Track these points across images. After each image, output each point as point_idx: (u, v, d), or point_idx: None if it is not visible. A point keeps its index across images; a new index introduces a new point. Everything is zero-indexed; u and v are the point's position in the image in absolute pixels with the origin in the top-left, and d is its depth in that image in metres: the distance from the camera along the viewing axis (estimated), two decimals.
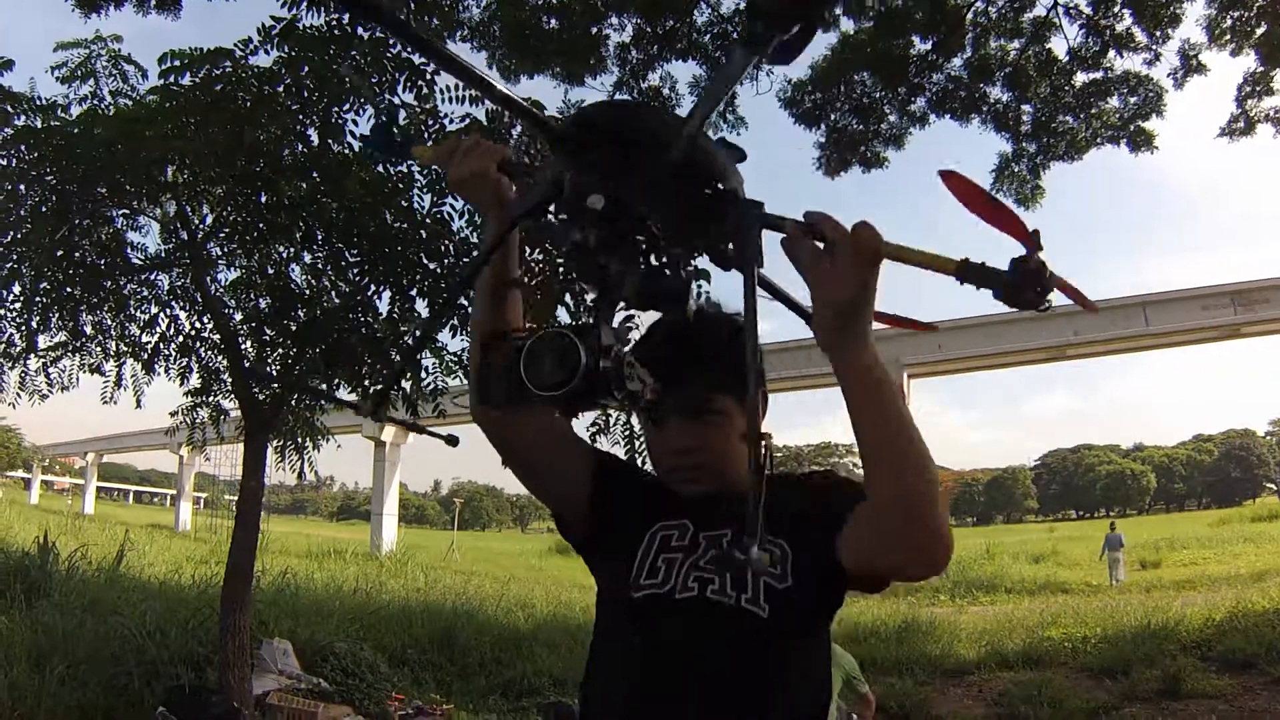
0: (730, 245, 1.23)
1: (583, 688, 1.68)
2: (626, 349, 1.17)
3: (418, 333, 5.99)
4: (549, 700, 8.11)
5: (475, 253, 5.48)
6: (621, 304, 1.23)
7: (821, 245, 1.16)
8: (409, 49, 5.24)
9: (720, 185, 1.25)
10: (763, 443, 1.09)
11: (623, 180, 1.22)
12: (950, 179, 1.10)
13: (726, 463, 1.60)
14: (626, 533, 1.61)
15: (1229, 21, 10.37)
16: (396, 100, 5.38)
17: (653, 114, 1.34)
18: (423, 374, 6.06)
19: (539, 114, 1.33)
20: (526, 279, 5.28)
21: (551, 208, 1.35)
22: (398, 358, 6.09)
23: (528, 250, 5.51)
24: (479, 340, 1.39)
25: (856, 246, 1.13)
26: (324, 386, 6.85)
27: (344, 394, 6.88)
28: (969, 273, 1.08)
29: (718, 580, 1.49)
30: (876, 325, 1.27)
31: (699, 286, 5.13)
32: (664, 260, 1.26)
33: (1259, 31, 10.37)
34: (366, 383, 6.30)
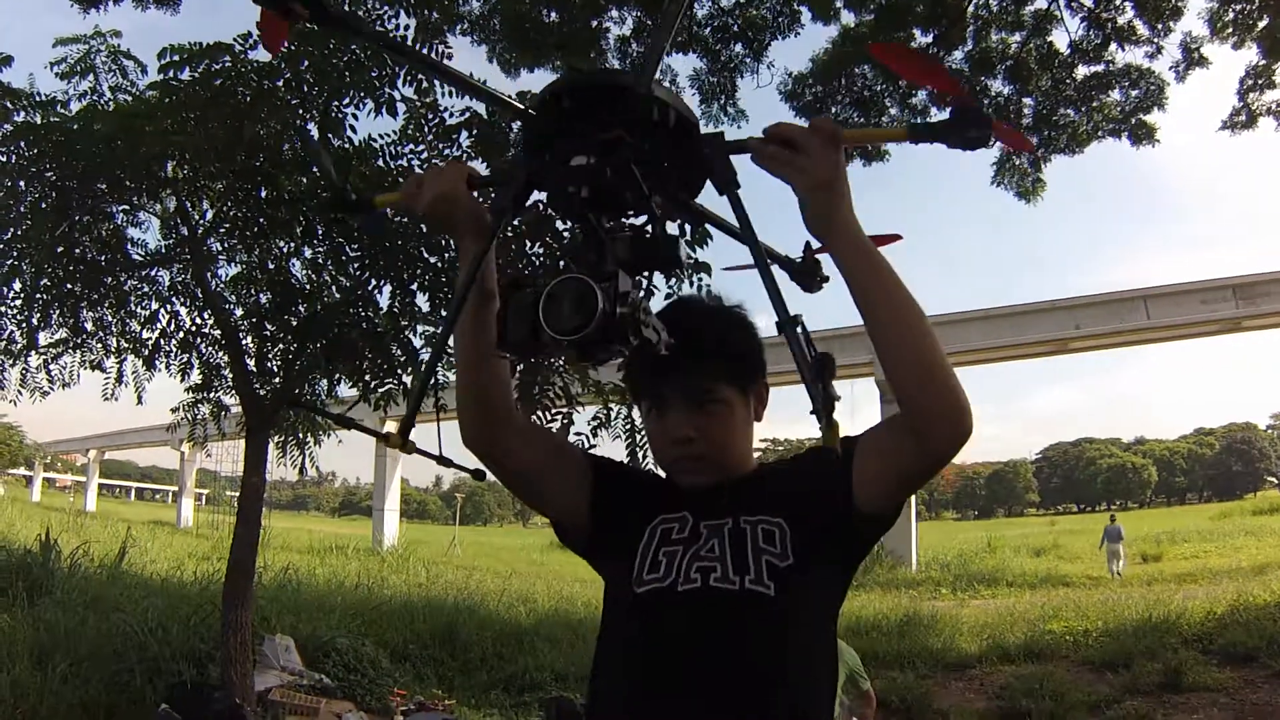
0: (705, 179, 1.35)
1: (591, 683, 1.68)
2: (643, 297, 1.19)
3: (422, 356, 6.03)
4: (551, 695, 8.12)
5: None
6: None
7: (787, 148, 1.31)
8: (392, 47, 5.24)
9: (691, 124, 1.35)
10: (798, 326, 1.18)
11: (608, 126, 1.28)
12: (880, 50, 1.26)
13: (728, 453, 1.62)
14: (627, 532, 1.61)
15: (1231, 14, 10.35)
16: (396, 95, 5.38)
17: (610, 73, 1.41)
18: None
19: (514, 102, 1.35)
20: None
21: (537, 195, 1.41)
22: (411, 379, 6.10)
23: (528, 244, 5.52)
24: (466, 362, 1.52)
25: (819, 133, 1.30)
26: (327, 400, 6.87)
27: (356, 409, 6.91)
28: (918, 133, 1.27)
29: (719, 568, 1.49)
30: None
31: (700, 280, 5.14)
32: (651, 222, 1.32)
33: (1261, 24, 10.34)
34: (367, 378, 6.30)
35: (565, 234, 5.45)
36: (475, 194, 1.49)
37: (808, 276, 1.74)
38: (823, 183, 1.31)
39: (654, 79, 1.35)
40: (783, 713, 1.45)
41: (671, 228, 1.44)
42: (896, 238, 1.72)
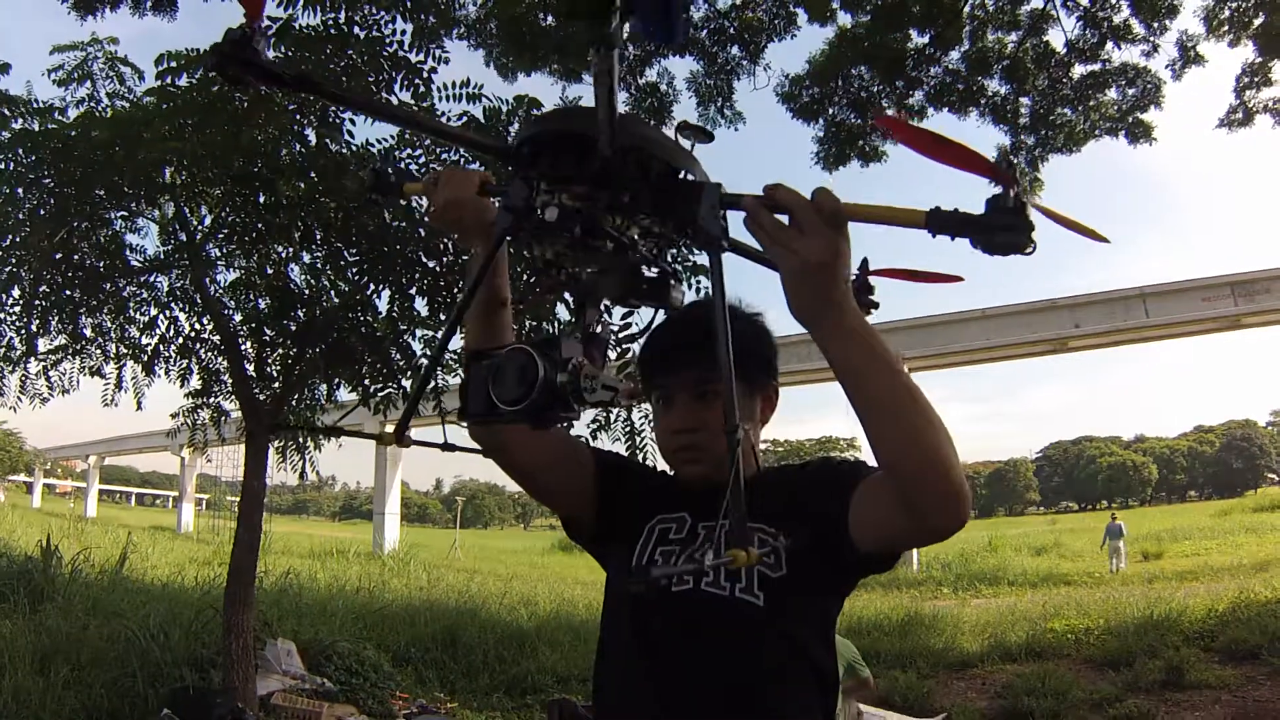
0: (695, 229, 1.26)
1: (595, 674, 1.71)
2: (588, 360, 1.19)
3: (423, 360, 6.05)
4: (553, 698, 8.10)
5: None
6: (607, 303, 1.26)
7: (785, 217, 1.16)
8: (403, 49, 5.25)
9: (677, 172, 1.31)
10: (738, 435, 1.12)
11: (571, 184, 1.26)
12: (890, 124, 1.16)
13: (724, 449, 1.61)
14: (628, 526, 1.65)
15: (1226, 12, 10.36)
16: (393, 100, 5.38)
17: (581, 114, 1.35)
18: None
19: (487, 141, 1.35)
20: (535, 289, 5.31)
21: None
22: (410, 383, 6.11)
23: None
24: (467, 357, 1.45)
25: (818, 209, 1.13)
26: (326, 404, 6.87)
27: (352, 414, 6.92)
28: (939, 221, 1.04)
29: (712, 572, 1.50)
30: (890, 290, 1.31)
31: (698, 281, 5.16)
32: (640, 254, 1.30)
33: (1257, 22, 10.36)
34: (367, 382, 6.31)
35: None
36: (490, 199, 1.49)
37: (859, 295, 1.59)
38: (812, 266, 1.15)
39: (640, 119, 1.38)
40: (782, 705, 1.47)
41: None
42: (957, 279, 1.57)
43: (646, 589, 1.05)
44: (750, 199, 1.18)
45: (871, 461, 1.34)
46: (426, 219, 1.50)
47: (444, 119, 5.44)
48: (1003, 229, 1.01)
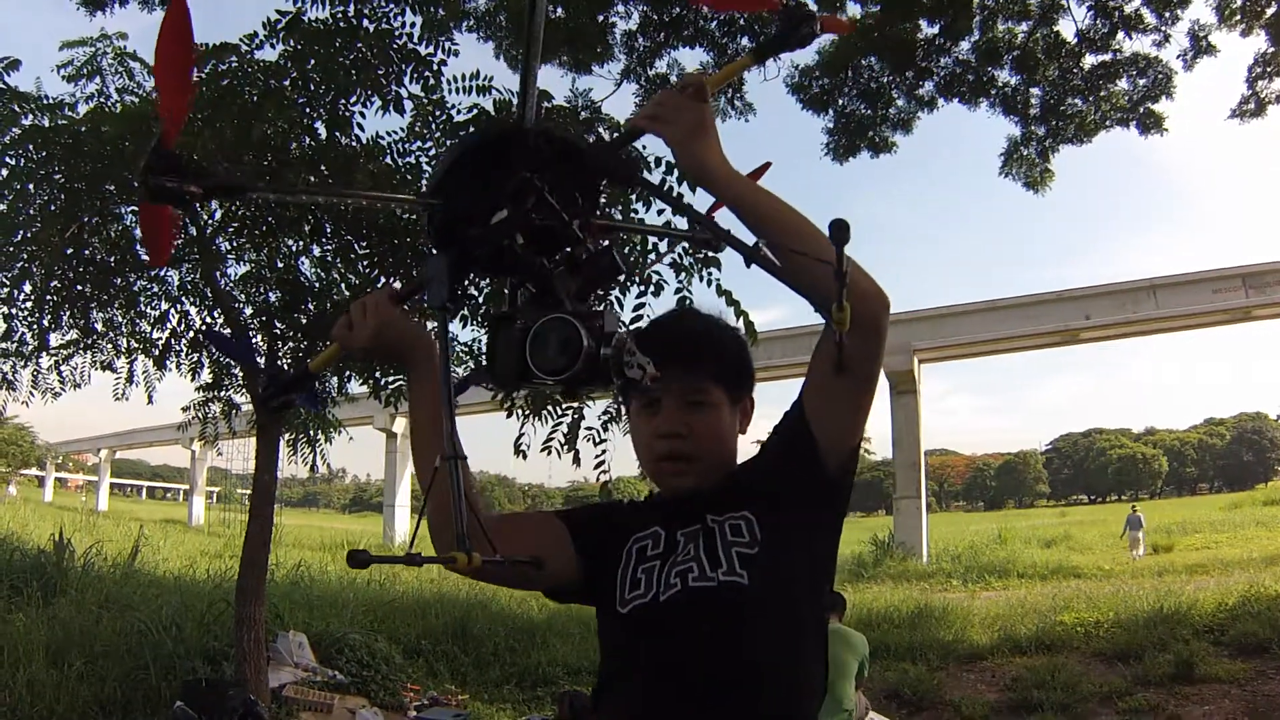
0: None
1: (595, 706, 1.68)
2: (628, 334, 1.20)
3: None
4: (563, 689, 8.13)
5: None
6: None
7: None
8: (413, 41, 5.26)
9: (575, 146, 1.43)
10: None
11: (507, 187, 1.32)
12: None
13: (714, 454, 1.64)
14: (608, 560, 1.62)
15: (1239, 1, 10.29)
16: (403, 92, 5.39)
17: (491, 125, 1.46)
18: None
19: (412, 198, 1.38)
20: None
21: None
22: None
23: None
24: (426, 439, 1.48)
25: (684, 89, 1.46)
26: (338, 398, 6.89)
27: (367, 404, 6.94)
28: (763, 50, 1.50)
29: (696, 568, 1.52)
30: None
31: (709, 272, 5.20)
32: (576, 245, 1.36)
33: (1269, 11, 10.29)
34: (377, 374, 6.32)
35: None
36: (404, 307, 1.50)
37: (791, 34, 1.56)
38: (690, 130, 1.43)
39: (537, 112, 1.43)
40: (782, 691, 1.49)
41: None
42: (766, 165, 1.71)
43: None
44: (630, 120, 1.54)
45: None
46: (362, 358, 1.49)
47: (453, 112, 5.45)
48: (802, 24, 1.41)
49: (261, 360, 6.40)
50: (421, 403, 1.52)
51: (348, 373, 6.65)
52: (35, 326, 6.51)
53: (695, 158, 1.44)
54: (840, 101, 11.13)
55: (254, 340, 6.48)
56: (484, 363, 1.26)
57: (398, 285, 1.53)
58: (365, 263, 5.92)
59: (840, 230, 1.05)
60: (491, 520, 1.51)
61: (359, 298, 1.47)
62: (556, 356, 1.17)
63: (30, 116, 5.83)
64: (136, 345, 6.84)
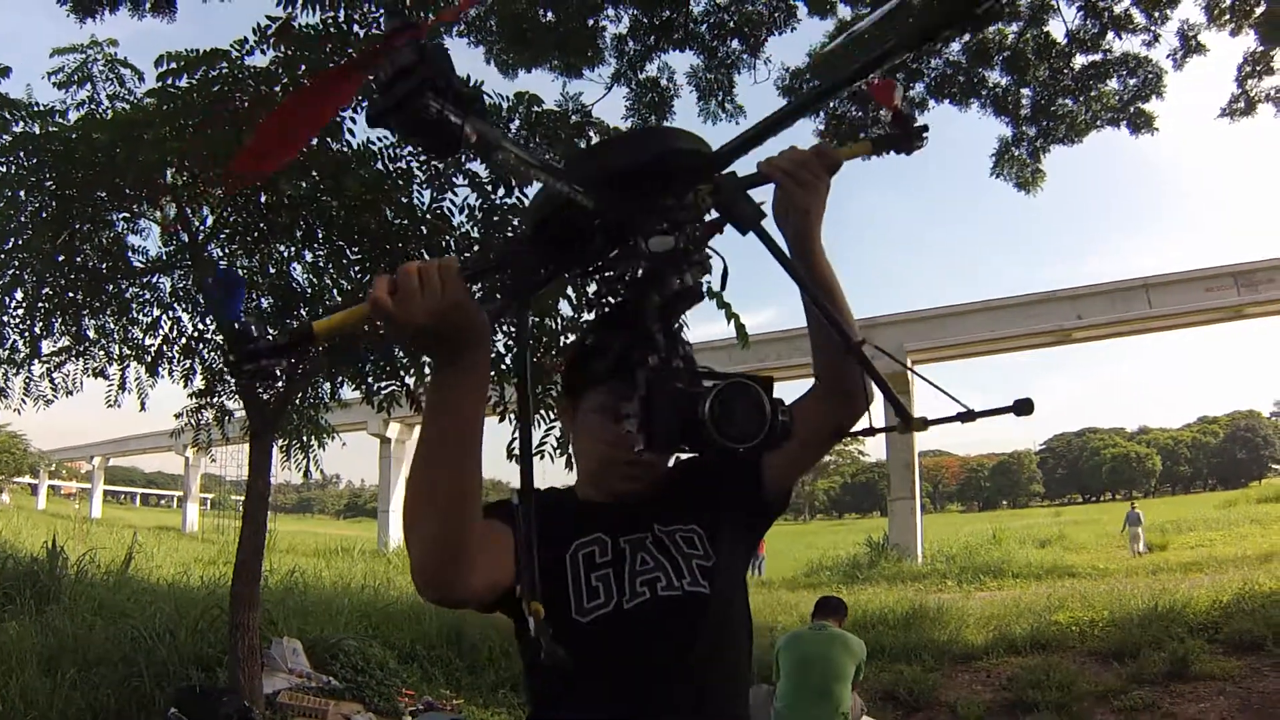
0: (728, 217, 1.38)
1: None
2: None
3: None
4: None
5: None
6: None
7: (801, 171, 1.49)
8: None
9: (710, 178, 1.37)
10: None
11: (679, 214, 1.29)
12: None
13: (665, 468, 1.70)
14: (554, 572, 1.53)
15: (1228, 1, 10.32)
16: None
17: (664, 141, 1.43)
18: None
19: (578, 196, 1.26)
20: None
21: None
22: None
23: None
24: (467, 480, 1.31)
25: (823, 158, 1.50)
26: (330, 403, 6.86)
27: (359, 410, 6.93)
28: (880, 144, 1.54)
29: (663, 578, 1.55)
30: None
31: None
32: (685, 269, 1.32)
33: (1258, 10, 10.32)
34: (370, 380, 6.32)
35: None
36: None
37: (906, 140, 1.57)
38: (821, 202, 1.51)
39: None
40: (743, 690, 1.65)
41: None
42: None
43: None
44: (766, 166, 1.47)
45: None
46: (401, 336, 1.07)
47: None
48: (908, 132, 1.50)
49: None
50: (464, 402, 1.26)
51: (340, 378, 6.65)
52: (27, 333, 6.49)
53: (813, 230, 1.52)
54: (831, 104, 11.13)
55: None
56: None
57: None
58: (357, 268, 5.92)
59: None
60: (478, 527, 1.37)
61: (413, 261, 1.19)
62: (746, 423, 1.17)
63: (21, 123, 5.82)
64: (129, 352, 6.83)
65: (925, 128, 1.51)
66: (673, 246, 1.24)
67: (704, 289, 1.32)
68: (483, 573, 1.39)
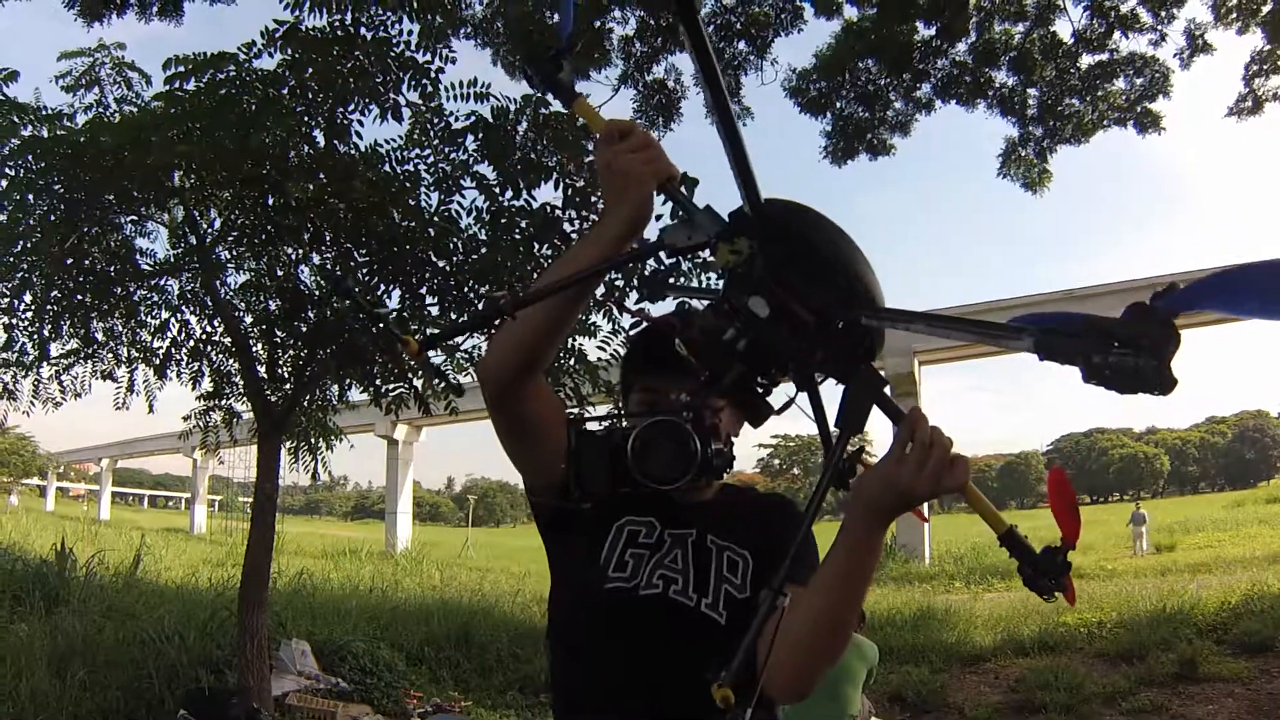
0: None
1: (552, 675, 1.71)
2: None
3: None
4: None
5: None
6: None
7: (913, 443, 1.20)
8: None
9: (868, 354, 1.25)
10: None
11: (796, 300, 1.18)
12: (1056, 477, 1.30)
13: None
14: (592, 518, 1.61)
15: (1234, 0, 10.29)
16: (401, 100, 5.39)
17: (855, 252, 1.27)
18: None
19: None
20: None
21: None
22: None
23: (536, 246, 5.53)
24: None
25: (955, 473, 1.20)
26: (339, 404, 6.87)
27: (367, 412, 6.94)
28: (1009, 540, 1.27)
29: (681, 581, 1.55)
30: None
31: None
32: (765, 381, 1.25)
33: (1265, 9, 10.29)
34: (378, 382, 6.32)
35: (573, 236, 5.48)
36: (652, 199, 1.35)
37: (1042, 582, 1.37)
38: (908, 499, 1.23)
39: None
40: None
41: None
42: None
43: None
44: (923, 425, 1.20)
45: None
46: (596, 156, 1.24)
47: (451, 119, 5.47)
48: (1046, 577, 1.28)
49: (262, 368, 6.40)
50: (591, 242, 1.40)
51: (349, 381, 6.66)
52: (36, 336, 6.51)
53: (900, 511, 1.28)
54: (838, 104, 11.13)
55: (255, 348, 6.49)
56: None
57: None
58: (365, 270, 5.93)
59: None
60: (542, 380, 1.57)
61: (656, 142, 1.33)
62: (670, 466, 1.17)
63: (29, 127, 5.84)
64: (137, 354, 6.85)
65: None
66: (767, 314, 1.16)
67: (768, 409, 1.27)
68: (542, 394, 1.56)
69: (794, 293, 1.16)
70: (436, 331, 1.26)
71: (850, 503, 1.28)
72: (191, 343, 6.79)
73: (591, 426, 1.25)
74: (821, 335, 1.18)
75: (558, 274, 1.36)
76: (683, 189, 1.31)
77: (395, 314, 5.90)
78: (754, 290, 1.15)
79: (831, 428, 1.20)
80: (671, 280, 5.13)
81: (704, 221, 1.21)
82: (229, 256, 6.43)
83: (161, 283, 6.67)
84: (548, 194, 8.75)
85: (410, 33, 5.27)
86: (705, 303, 1.22)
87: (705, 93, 1.20)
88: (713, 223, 1.20)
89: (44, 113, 5.93)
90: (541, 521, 1.75)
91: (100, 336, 6.73)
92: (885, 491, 1.23)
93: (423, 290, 5.91)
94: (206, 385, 6.92)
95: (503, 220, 5.62)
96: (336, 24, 5.14)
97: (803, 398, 1.24)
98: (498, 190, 5.54)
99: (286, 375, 6.53)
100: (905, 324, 1.18)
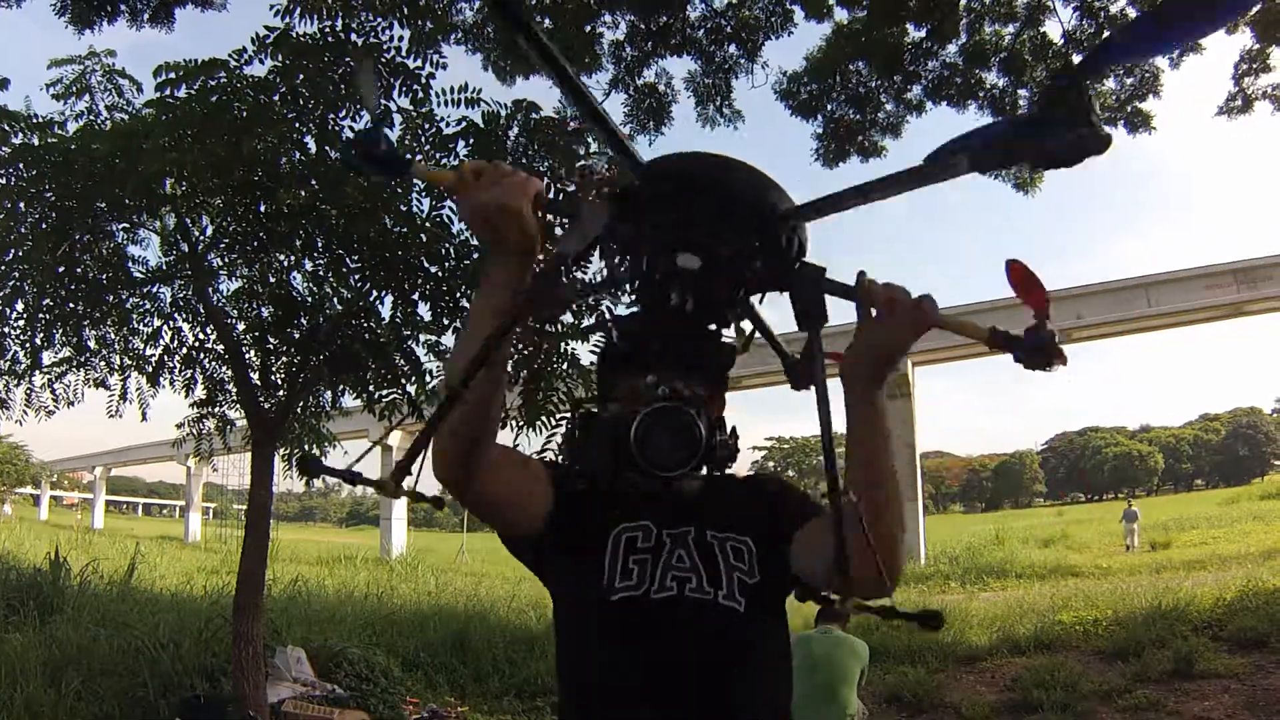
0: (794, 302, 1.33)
1: (562, 690, 1.69)
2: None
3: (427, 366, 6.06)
4: None
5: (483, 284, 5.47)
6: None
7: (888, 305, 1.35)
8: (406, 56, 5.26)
9: (801, 250, 1.35)
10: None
11: (716, 238, 1.22)
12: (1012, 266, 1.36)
13: None
14: (586, 535, 1.61)
15: None
16: (392, 106, 5.38)
17: (747, 174, 1.34)
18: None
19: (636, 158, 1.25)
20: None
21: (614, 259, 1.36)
22: (414, 388, 6.13)
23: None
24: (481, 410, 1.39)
25: (920, 313, 1.36)
26: (331, 411, 6.86)
27: (360, 418, 6.92)
28: (996, 338, 1.35)
29: (694, 579, 1.55)
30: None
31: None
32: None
33: (1255, 9, 10.32)
34: (371, 388, 6.31)
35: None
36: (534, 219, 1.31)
37: (1032, 356, 1.45)
38: (891, 352, 1.39)
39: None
40: (764, 695, 1.56)
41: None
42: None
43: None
44: (861, 285, 1.35)
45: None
46: (457, 215, 1.26)
47: (442, 125, 5.46)
48: (1041, 354, 1.33)
49: (255, 375, 6.40)
50: (494, 292, 1.35)
51: (342, 388, 6.65)
52: (28, 345, 6.49)
53: (889, 368, 1.41)
54: (829, 107, 11.14)
55: (248, 355, 6.48)
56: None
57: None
58: (357, 277, 5.93)
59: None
60: (496, 449, 1.52)
61: (500, 166, 1.31)
62: (673, 451, 1.21)
63: (20, 135, 5.84)
64: (129, 362, 6.83)
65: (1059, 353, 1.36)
66: (698, 267, 1.25)
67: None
68: (498, 466, 1.52)
69: (712, 233, 1.24)
70: (401, 459, 1.21)
71: (848, 382, 1.38)
72: (184, 350, 6.77)
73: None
74: (752, 256, 1.25)
75: (469, 349, 1.29)
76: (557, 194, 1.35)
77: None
78: (673, 249, 1.21)
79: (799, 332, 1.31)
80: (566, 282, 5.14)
81: (590, 215, 1.27)
82: (221, 263, 6.42)
83: (154, 290, 6.65)
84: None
85: (401, 39, 5.28)
86: (611, 293, 1.29)
87: (552, 78, 1.25)
88: (599, 212, 1.25)
89: (35, 120, 5.93)
90: (527, 561, 1.74)
91: (93, 344, 6.71)
92: (872, 357, 1.36)
93: (415, 296, 5.90)
94: (200, 392, 6.91)
95: None
96: (327, 30, 5.15)
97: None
98: None
99: (280, 382, 6.52)
100: (836, 208, 1.28)
